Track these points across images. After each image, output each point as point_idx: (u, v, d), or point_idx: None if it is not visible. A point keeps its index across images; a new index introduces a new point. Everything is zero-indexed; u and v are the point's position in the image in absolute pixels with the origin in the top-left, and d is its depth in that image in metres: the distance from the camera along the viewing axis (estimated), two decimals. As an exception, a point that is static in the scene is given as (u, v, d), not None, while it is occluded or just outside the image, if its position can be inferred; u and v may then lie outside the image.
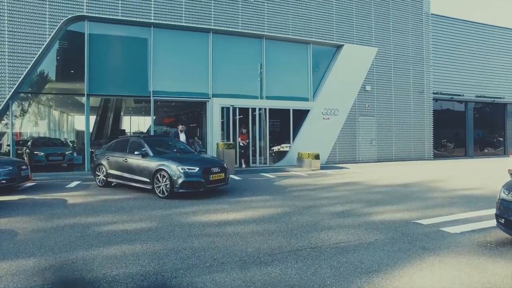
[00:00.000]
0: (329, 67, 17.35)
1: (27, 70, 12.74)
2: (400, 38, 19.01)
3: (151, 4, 14.16)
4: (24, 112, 16.84)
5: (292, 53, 16.86)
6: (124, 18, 13.83)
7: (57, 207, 7.20)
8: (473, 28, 21.70)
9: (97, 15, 13.50)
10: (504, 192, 4.70)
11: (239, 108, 15.64)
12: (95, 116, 22.25)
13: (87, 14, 13.39)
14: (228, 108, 15.35)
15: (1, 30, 12.50)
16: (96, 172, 10.07)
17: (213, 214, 6.55)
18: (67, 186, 10.09)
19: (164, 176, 8.17)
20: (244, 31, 15.50)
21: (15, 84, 12.60)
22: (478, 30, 21.83)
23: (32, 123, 20.78)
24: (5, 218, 6.18)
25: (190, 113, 18.68)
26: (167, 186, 8.09)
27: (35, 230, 5.48)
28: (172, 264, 4.05)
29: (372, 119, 18.18)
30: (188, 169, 8.07)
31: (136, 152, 8.87)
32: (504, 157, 22.14)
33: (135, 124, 38.68)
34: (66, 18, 13.13)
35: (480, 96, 21.94)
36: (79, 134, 27.33)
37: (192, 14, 14.67)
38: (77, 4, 13.26)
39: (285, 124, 16.60)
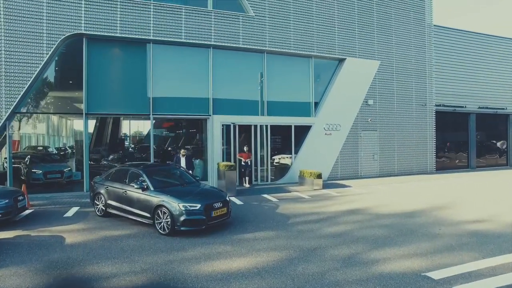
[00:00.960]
0: (331, 81, 17.13)
1: (24, 90, 12.49)
2: (402, 51, 18.80)
3: (150, 21, 13.91)
4: (22, 125, 16.58)
5: (293, 67, 16.63)
6: (123, 35, 13.58)
7: (54, 249, 6.97)
8: (475, 38, 21.48)
9: (95, 33, 13.24)
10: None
11: (240, 125, 15.42)
12: (94, 121, 21.97)
13: (85, 32, 13.14)
14: (228, 126, 15.13)
15: (-2, 51, 12.25)
16: (95, 201, 9.85)
17: (217, 261, 6.34)
18: (65, 215, 9.86)
19: (165, 213, 7.95)
20: (245, 46, 15.26)
21: (12, 105, 12.36)
22: (480, 40, 21.62)
23: (30, 127, 20.47)
24: None
25: (190, 126, 18.36)
26: (168, 223, 7.88)
27: (31, 288, 5.27)
28: None
29: (374, 133, 17.98)
30: (190, 206, 7.85)
31: (136, 185, 8.65)
32: (507, 169, 22.06)
33: (135, 126, 38.42)
34: (64, 37, 12.88)
35: (483, 107, 21.75)
36: (78, 143, 27.03)
37: (192, 31, 14.43)
38: (75, 22, 13.01)
39: (287, 140, 16.40)
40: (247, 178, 14.92)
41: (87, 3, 13.16)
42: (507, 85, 22.55)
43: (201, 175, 15.76)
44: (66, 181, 15.27)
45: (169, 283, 5.44)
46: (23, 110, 13.31)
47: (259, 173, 15.81)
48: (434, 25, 19.89)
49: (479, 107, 21.65)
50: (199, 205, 7.91)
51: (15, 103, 12.40)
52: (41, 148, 21.53)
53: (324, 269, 6.02)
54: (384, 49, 18.25)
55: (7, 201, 8.66)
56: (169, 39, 14.12)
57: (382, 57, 18.16)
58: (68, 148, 24.44)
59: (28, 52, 12.51)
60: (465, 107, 21.15)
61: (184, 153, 11.12)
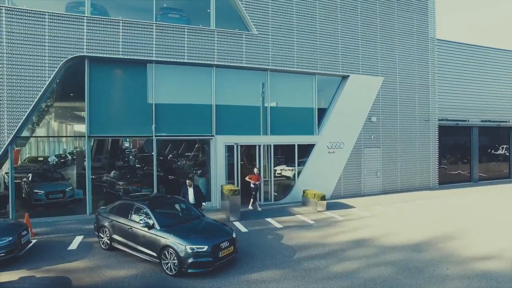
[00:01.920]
0: (334, 98, 17.05)
1: (26, 114, 12.38)
2: (406, 66, 18.71)
3: (152, 42, 13.78)
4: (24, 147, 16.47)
5: (297, 85, 16.53)
6: (125, 57, 13.46)
7: (61, 297, 6.89)
8: (477, 52, 21.44)
9: (97, 55, 13.12)
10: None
11: (244, 145, 15.33)
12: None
13: (87, 54, 13.02)
14: (232, 146, 15.03)
15: (0, 75, 12.10)
16: (100, 234, 9.77)
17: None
18: (69, 248, 9.76)
19: (171, 254, 7.88)
20: (249, 65, 15.15)
21: (14, 130, 12.25)
22: (482, 53, 21.58)
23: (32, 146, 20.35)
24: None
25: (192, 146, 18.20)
26: (175, 264, 7.81)
27: None
28: None
29: (377, 150, 17.92)
30: (197, 248, 7.77)
31: (141, 223, 8.57)
32: (510, 182, 22.04)
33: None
34: (66, 59, 12.75)
35: (485, 121, 21.71)
36: (79, 153, 26.85)
37: (195, 51, 14.31)
38: (77, 45, 12.88)
39: (290, 158, 16.33)
40: (257, 203, 14.50)
41: (89, 25, 13.03)
42: (509, 97, 22.51)
43: (204, 191, 15.71)
44: (68, 200, 15.19)
45: None
46: (26, 134, 13.18)
47: (263, 192, 15.72)
48: (437, 39, 19.80)
49: (482, 121, 21.61)
50: (206, 247, 7.83)
51: (17, 127, 12.29)
52: (41, 159, 21.40)
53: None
54: (387, 64, 18.16)
55: (10, 238, 8.57)
56: (172, 60, 14.00)
57: (385, 73, 18.08)
58: (68, 155, 24.31)
59: (30, 76, 12.39)
60: (468, 120, 21.10)
61: (190, 184, 11.02)
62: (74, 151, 28.15)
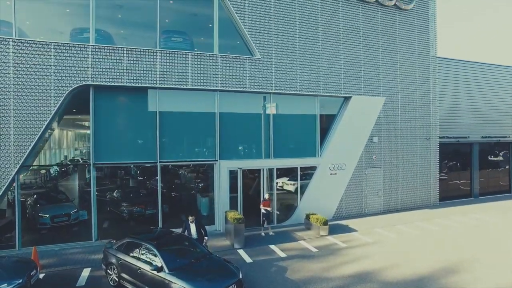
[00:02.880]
0: (336, 119, 17.20)
1: (32, 144, 12.50)
2: (407, 85, 18.86)
3: (156, 68, 13.90)
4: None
5: (299, 108, 16.70)
6: (130, 84, 13.58)
7: None
8: (476, 68, 21.70)
9: (102, 84, 13.24)
10: None
11: (247, 169, 15.48)
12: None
13: (92, 83, 13.13)
14: (235, 171, 15.18)
15: (7, 106, 12.23)
16: (108, 271, 9.93)
17: None
18: (78, 285, 9.92)
19: (181, 299, 8.04)
20: (252, 90, 15.28)
21: (21, 160, 12.38)
22: (481, 70, 21.84)
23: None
24: None
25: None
26: (184, 309, 7.97)
27: None
28: None
29: (378, 170, 18.08)
30: (206, 294, 7.94)
31: (150, 266, 8.72)
32: (509, 198, 22.23)
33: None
34: (71, 89, 12.87)
35: (486, 137, 21.89)
36: (80, 163, 26.91)
37: (199, 76, 14.44)
38: (82, 74, 12.99)
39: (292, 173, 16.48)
40: (269, 226, 14.65)
41: (94, 53, 13.13)
42: (508, 112, 22.69)
43: (207, 211, 15.89)
44: (73, 223, 15.32)
45: None
46: (32, 162, 13.30)
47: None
48: (438, 57, 19.94)
49: (482, 137, 21.79)
50: (215, 293, 8.00)
51: (24, 157, 12.42)
52: (44, 171, 21.46)
53: None
54: (389, 84, 18.30)
55: (20, 281, 8.71)
56: (176, 86, 14.13)
57: (387, 93, 18.22)
58: (69, 163, 24.38)
59: (36, 106, 12.50)
60: (469, 137, 21.29)
61: (192, 220, 11.18)
62: (75, 158, 28.20)
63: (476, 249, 12.75)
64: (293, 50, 16.05)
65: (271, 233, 14.53)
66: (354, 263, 11.52)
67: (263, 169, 15.73)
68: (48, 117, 12.62)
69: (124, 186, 18.60)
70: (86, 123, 13.68)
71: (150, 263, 8.79)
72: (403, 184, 18.86)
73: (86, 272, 10.76)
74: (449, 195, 21.33)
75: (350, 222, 16.28)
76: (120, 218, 15.38)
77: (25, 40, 12.43)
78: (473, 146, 21.86)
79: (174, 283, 8.22)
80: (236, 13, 14.99)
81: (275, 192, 16.13)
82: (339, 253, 12.54)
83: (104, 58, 13.25)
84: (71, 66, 12.87)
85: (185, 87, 14.24)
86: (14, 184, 12.71)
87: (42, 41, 12.61)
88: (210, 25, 14.99)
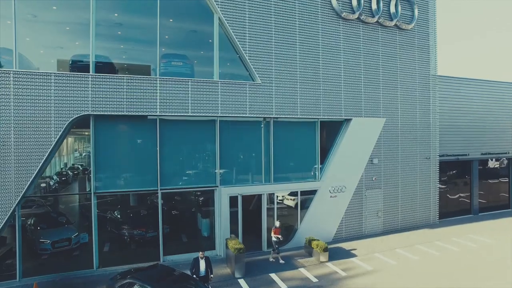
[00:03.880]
0: (336, 142, 17.21)
1: (33, 176, 12.54)
2: (407, 105, 18.87)
3: (156, 97, 13.91)
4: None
5: (299, 131, 16.76)
6: (130, 114, 13.58)
7: None
8: (476, 85, 21.83)
9: (102, 113, 13.25)
10: None
11: (248, 195, 15.51)
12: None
13: (92, 113, 13.15)
14: (236, 197, 15.21)
15: (8, 139, 12.24)
16: (110, 310, 10.00)
17: None
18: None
19: None
20: (252, 116, 15.28)
21: (22, 191, 12.42)
22: (481, 87, 21.91)
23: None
24: None
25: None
26: None
27: None
28: None
29: (378, 191, 18.13)
30: None
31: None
32: (509, 214, 22.28)
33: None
34: (71, 119, 12.88)
35: (485, 153, 21.93)
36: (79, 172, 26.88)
37: (199, 104, 14.44)
38: (83, 104, 13.00)
39: (293, 207, 16.52)
40: (279, 255, 14.58)
41: (94, 83, 13.13)
42: (508, 129, 22.72)
43: (208, 232, 15.92)
44: (74, 247, 15.34)
45: None
46: (33, 193, 13.32)
47: (266, 238, 15.92)
48: (438, 76, 19.93)
49: (482, 154, 21.83)
50: None
51: (25, 189, 12.46)
52: (44, 184, 21.43)
53: None
54: (389, 105, 18.31)
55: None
56: (176, 114, 14.13)
57: (387, 114, 18.23)
58: (69, 172, 24.38)
59: (37, 138, 12.51)
60: (468, 155, 21.32)
61: (203, 256, 11.25)
62: (75, 166, 28.13)
63: (476, 279, 12.80)
64: (294, 74, 16.04)
65: (281, 261, 14.48)
66: (354, 297, 11.58)
67: (263, 194, 15.77)
68: (49, 148, 12.64)
69: (125, 207, 18.62)
70: (88, 148, 13.72)
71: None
72: (403, 204, 18.91)
73: (87, 308, 10.82)
74: (449, 210, 21.38)
75: (350, 245, 16.34)
76: (121, 239, 15.40)
77: (25, 71, 12.43)
78: (473, 163, 21.89)
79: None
80: (236, 38, 14.97)
81: (276, 214, 16.17)
82: (338, 284, 12.59)
83: (104, 88, 13.25)
84: (72, 96, 12.87)
85: (185, 114, 14.25)
86: (15, 213, 12.76)
87: (42, 72, 12.62)
88: (210, 53, 14.96)
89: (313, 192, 16.64)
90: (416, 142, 19.18)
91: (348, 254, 15.37)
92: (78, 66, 13.76)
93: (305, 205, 16.68)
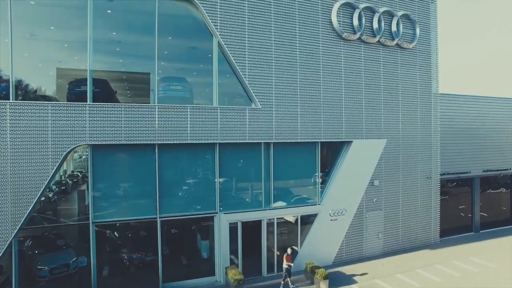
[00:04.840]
0: (337, 165, 17.07)
1: (31, 207, 12.42)
2: (408, 125, 18.70)
3: (155, 125, 13.75)
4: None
5: (299, 154, 16.60)
6: (128, 142, 13.42)
7: None
8: (477, 102, 21.73)
9: (100, 143, 13.09)
10: None
11: (248, 221, 15.39)
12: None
13: (90, 143, 13.00)
14: (235, 224, 15.08)
15: (4, 172, 12.09)
16: None
17: None
18: None
19: None
20: (252, 141, 15.13)
21: (19, 223, 12.31)
22: (481, 103, 21.82)
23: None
24: None
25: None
26: None
27: None
28: None
29: (379, 212, 18.00)
30: None
31: None
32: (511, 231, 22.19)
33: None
34: (69, 149, 12.73)
35: (487, 171, 21.78)
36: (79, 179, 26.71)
37: (198, 132, 14.27)
38: (80, 134, 12.85)
39: (293, 230, 16.39)
40: (289, 282, 14.54)
41: (91, 112, 12.97)
42: (509, 145, 22.57)
43: (207, 255, 15.82)
44: (72, 272, 15.20)
45: None
46: (29, 225, 13.13)
47: (266, 261, 15.81)
48: (440, 94, 19.74)
49: (483, 171, 21.68)
50: None
51: (21, 221, 12.34)
52: (43, 198, 21.26)
53: None
54: (391, 125, 18.13)
55: None
56: (175, 142, 13.97)
57: (388, 134, 18.06)
58: (68, 181, 24.23)
59: (34, 169, 12.37)
60: (470, 172, 21.17)
61: None
62: (75, 173, 27.93)
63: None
64: (294, 97, 15.86)
65: (291, 286, 14.41)
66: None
67: (263, 220, 15.64)
68: (46, 179, 12.52)
69: (124, 227, 18.48)
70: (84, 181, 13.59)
71: None
72: (404, 224, 18.79)
73: None
74: (449, 226, 21.19)
75: (350, 269, 16.24)
76: (120, 263, 15.26)
77: (22, 102, 12.26)
78: (474, 180, 21.74)
79: None
80: (236, 62, 14.78)
81: (275, 254, 16.01)
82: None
83: (101, 117, 13.08)
84: (69, 127, 12.70)
85: (184, 142, 14.10)
86: (12, 244, 12.63)
87: (39, 103, 12.45)
88: (209, 80, 14.80)
89: (314, 215, 16.50)
90: (417, 161, 19.03)
91: (348, 280, 15.27)
92: (76, 92, 13.64)
93: (305, 221, 16.49)
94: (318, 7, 16.36)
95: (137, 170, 14.25)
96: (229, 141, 14.73)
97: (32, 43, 13.00)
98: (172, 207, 14.43)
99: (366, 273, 15.89)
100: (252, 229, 15.90)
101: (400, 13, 18.09)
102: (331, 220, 16.72)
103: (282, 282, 14.57)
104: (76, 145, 12.82)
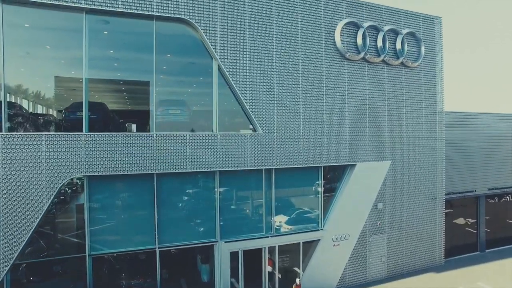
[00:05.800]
0: (340, 189, 16.64)
1: (24, 242, 11.97)
2: (413, 145, 18.26)
3: (154, 154, 13.30)
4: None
5: (301, 179, 16.20)
6: (126, 173, 12.99)
7: None
8: (480, 118, 21.20)
9: (96, 174, 12.66)
10: None
11: (248, 249, 14.98)
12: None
13: (86, 175, 12.56)
14: (236, 253, 14.68)
15: (-5, 208, 11.66)
16: None
17: None
18: None
19: None
20: (253, 168, 14.69)
21: (11, 260, 11.86)
22: (486, 120, 21.31)
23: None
24: None
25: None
26: None
27: None
28: None
29: (383, 236, 17.59)
30: None
31: None
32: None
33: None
34: (64, 181, 12.30)
35: (492, 189, 21.37)
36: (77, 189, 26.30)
37: (197, 160, 13.84)
38: (75, 165, 12.40)
39: (295, 257, 15.98)
40: None
41: (87, 142, 12.51)
42: (515, 161, 22.20)
43: (208, 279, 15.43)
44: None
45: None
46: (23, 259, 12.68)
47: (268, 284, 15.44)
48: (445, 112, 19.29)
49: (489, 189, 21.26)
50: None
51: (14, 257, 11.89)
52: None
53: None
54: (395, 146, 17.68)
55: None
56: (174, 171, 13.54)
57: (393, 156, 17.62)
58: (67, 190, 23.83)
59: (28, 203, 11.92)
60: (475, 191, 20.76)
61: None
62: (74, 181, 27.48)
63: None
64: (297, 120, 15.39)
65: None
66: None
67: (265, 248, 15.23)
68: (40, 214, 12.05)
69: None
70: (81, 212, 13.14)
71: None
72: (408, 247, 18.36)
73: None
74: (454, 244, 20.76)
75: (353, 297, 15.89)
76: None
77: (14, 134, 11.80)
78: (480, 199, 21.32)
79: None
80: (236, 87, 14.33)
81: (277, 283, 15.61)
82: None
83: (98, 147, 12.61)
84: (64, 158, 12.25)
85: (183, 170, 13.66)
86: (4, 281, 12.21)
87: (32, 134, 12.00)
88: (209, 105, 14.37)
89: (316, 241, 16.09)
90: (422, 182, 18.58)
91: (352, 310, 14.90)
92: (72, 119, 13.21)
93: (307, 246, 16.03)
94: (321, 27, 15.89)
95: (135, 200, 13.82)
96: (230, 168, 14.29)
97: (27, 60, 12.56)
98: (171, 237, 14.00)
99: (370, 302, 15.53)
100: (253, 252, 15.49)
101: (405, 31, 17.60)
102: (334, 245, 16.31)
103: None
104: (71, 177, 12.39)
